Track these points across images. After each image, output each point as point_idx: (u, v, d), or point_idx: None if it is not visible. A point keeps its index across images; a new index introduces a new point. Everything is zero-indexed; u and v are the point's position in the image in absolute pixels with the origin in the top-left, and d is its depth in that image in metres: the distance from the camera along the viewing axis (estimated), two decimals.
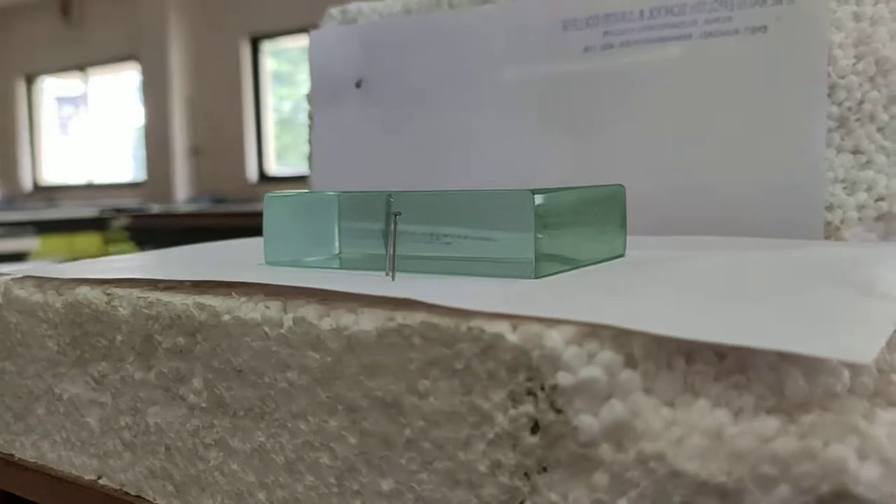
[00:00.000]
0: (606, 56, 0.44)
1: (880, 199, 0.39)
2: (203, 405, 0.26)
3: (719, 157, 0.42)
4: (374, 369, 0.22)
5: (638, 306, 0.22)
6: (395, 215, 0.27)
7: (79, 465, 0.30)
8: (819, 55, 0.39)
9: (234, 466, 0.26)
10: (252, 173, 4.11)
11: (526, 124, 0.47)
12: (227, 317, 0.25)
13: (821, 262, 0.30)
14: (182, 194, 4.11)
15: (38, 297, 0.31)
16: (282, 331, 0.24)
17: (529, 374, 0.20)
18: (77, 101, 4.87)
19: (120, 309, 0.28)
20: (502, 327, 0.20)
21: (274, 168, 4.19)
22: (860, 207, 0.39)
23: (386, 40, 0.52)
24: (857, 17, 0.39)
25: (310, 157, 0.57)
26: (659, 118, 0.43)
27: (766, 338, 0.18)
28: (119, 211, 3.01)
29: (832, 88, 0.39)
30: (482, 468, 0.21)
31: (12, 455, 0.33)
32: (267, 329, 0.24)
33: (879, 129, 0.39)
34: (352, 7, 0.55)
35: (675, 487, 0.17)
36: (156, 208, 3.24)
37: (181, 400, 0.27)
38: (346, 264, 0.33)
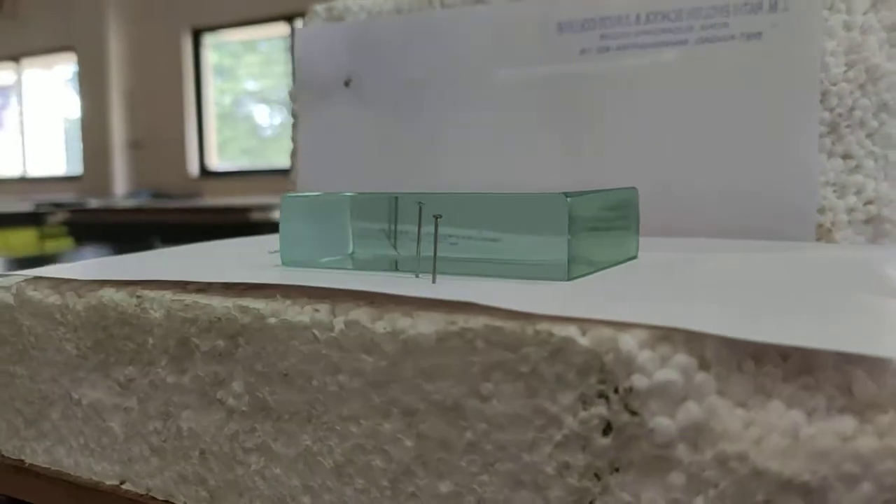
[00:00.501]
0: (603, 59, 0.45)
1: (869, 202, 0.41)
2: (244, 409, 0.26)
3: (713, 160, 0.43)
4: (433, 373, 0.22)
5: (700, 309, 0.22)
6: (437, 218, 0.27)
7: (98, 470, 0.30)
8: (812, 62, 0.40)
9: (277, 471, 0.25)
10: (193, 168, 4.04)
11: (519, 126, 0.47)
12: (272, 320, 0.25)
13: (836, 264, 0.31)
14: (121, 189, 4.02)
15: (54, 298, 0.30)
16: (333, 334, 0.24)
17: (602, 377, 0.20)
18: (9, 91, 4.72)
19: (151, 312, 0.27)
20: (571, 331, 0.20)
21: (216, 163, 4.12)
22: (850, 210, 0.41)
23: (376, 39, 0.52)
24: (848, 26, 0.41)
25: (293, 156, 0.57)
26: (654, 121, 0.44)
27: (835, 340, 0.19)
28: (56, 206, 2.92)
29: (824, 95, 0.40)
30: (549, 470, 0.21)
31: (22, 461, 0.32)
32: (317, 332, 0.24)
33: (869, 135, 0.40)
34: (338, 4, 0.55)
35: (758, 486, 0.18)
36: (94, 203, 3.16)
37: (219, 404, 0.26)
38: (359, 265, 0.33)
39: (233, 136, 4.47)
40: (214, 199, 3.18)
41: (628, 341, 0.20)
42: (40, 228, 2.79)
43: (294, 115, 0.56)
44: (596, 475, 0.20)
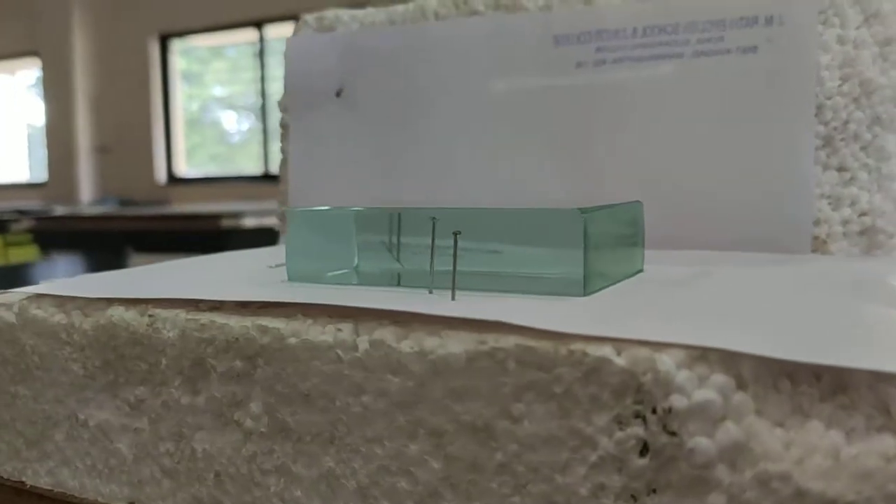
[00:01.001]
0: (599, 72, 0.45)
1: (863, 214, 0.41)
2: (262, 430, 0.25)
3: (710, 173, 0.43)
4: (463, 393, 0.22)
5: (732, 327, 0.22)
6: (456, 234, 0.27)
7: (106, 492, 0.29)
8: (808, 76, 0.41)
9: (297, 493, 0.25)
10: (161, 174, 3.99)
11: (514, 139, 0.47)
12: (293, 340, 0.24)
13: (846, 277, 0.31)
14: (87, 196, 3.96)
15: (59, 317, 0.29)
16: (357, 354, 0.23)
17: (638, 398, 0.20)
18: None
19: (164, 332, 0.27)
20: (606, 351, 0.20)
21: (184, 169, 4.08)
22: (845, 222, 0.41)
23: (368, 50, 0.51)
24: (842, 41, 0.41)
25: (282, 166, 0.56)
26: (650, 135, 0.44)
27: (873, 359, 0.19)
28: (21, 213, 2.87)
29: (819, 108, 0.41)
30: (583, 491, 0.21)
31: (23, 483, 0.31)
32: (340, 352, 0.24)
33: (863, 148, 0.41)
34: (329, 14, 0.54)
35: None
36: (60, 210, 3.11)
37: (236, 425, 0.26)
38: (364, 279, 0.33)
39: (200, 143, 4.43)
40: (182, 205, 3.15)
41: (666, 361, 0.20)
42: (4, 236, 2.73)
43: (283, 125, 0.56)
44: (633, 496, 0.20)
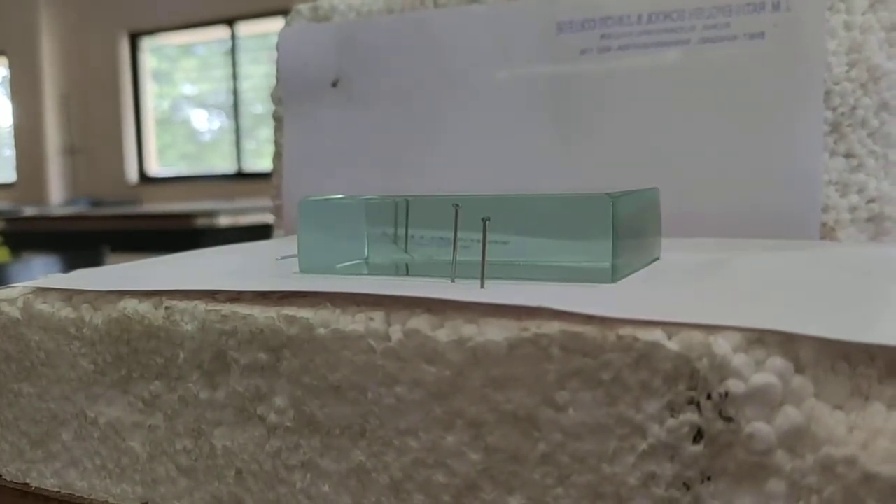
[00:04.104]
0: (603, 59, 0.44)
1: (871, 200, 0.41)
2: (287, 424, 0.24)
3: (717, 159, 0.43)
4: (503, 382, 0.21)
5: (787, 309, 0.22)
6: (485, 221, 0.26)
7: (117, 492, 0.28)
8: (816, 62, 0.41)
9: (326, 488, 0.24)
10: (132, 174, 3.94)
11: (517, 127, 0.47)
12: (322, 330, 0.23)
13: (861, 261, 0.31)
14: (57, 196, 3.90)
15: (66, 312, 0.28)
16: (390, 344, 0.23)
17: (692, 383, 0.19)
18: None
19: (183, 324, 0.26)
20: (657, 335, 0.20)
21: (155, 168, 4.04)
22: (852, 209, 0.41)
23: (366, 39, 0.50)
24: (848, 26, 0.41)
25: (276, 159, 0.55)
26: (656, 122, 0.44)
27: None
28: None
29: (827, 94, 0.41)
30: (632, 481, 0.20)
31: (27, 485, 0.30)
32: (372, 342, 0.23)
33: (870, 134, 0.41)
34: (323, 3, 0.53)
35: (868, 492, 0.17)
36: (29, 211, 3.05)
37: (259, 420, 0.25)
38: (374, 269, 0.32)
39: (171, 142, 4.38)
40: (155, 205, 3.11)
41: (722, 345, 0.19)
42: None
43: (276, 118, 0.55)
44: (685, 485, 0.20)
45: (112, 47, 3.86)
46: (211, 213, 2.19)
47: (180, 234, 1.85)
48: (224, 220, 1.89)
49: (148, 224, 2.23)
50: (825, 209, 0.41)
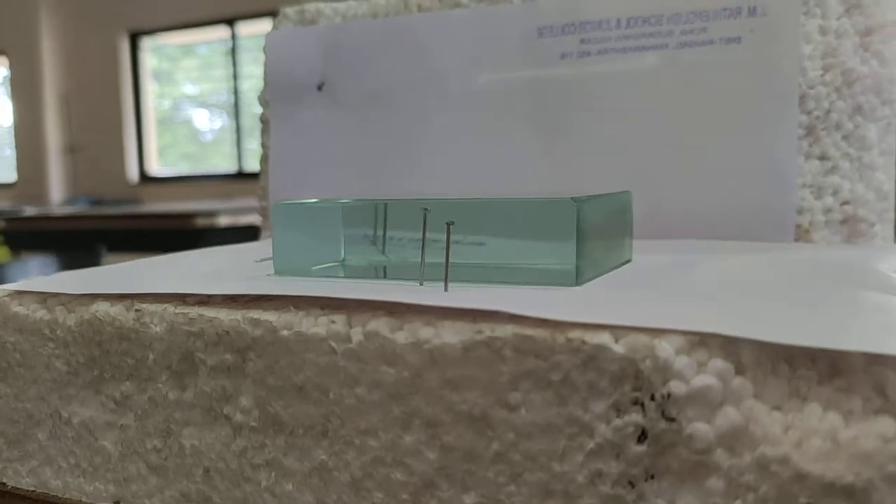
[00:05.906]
0: (583, 64, 0.45)
1: (845, 203, 0.41)
2: (253, 424, 0.25)
3: (693, 162, 0.43)
4: (459, 383, 0.22)
5: (730, 313, 0.22)
6: (449, 225, 0.27)
7: (90, 491, 0.29)
8: (791, 66, 0.41)
9: (289, 486, 0.25)
10: (132, 173, 3.95)
11: (498, 131, 0.47)
12: (285, 332, 0.24)
13: (828, 264, 0.32)
14: (57, 196, 3.91)
15: (41, 314, 0.29)
16: (351, 346, 0.23)
17: (637, 384, 0.20)
18: None
19: (152, 326, 0.26)
20: (604, 338, 0.20)
21: (156, 168, 4.04)
22: (826, 211, 0.42)
23: (350, 43, 0.51)
24: (823, 31, 0.42)
25: (262, 161, 0.56)
26: (634, 125, 0.44)
27: (872, 342, 0.19)
28: None
29: (802, 98, 0.41)
30: (580, 478, 0.21)
31: (4, 484, 0.31)
32: (334, 344, 0.23)
33: (844, 137, 0.41)
34: (310, 7, 0.54)
35: (800, 490, 0.18)
36: (30, 210, 3.07)
37: (225, 420, 0.25)
38: (351, 272, 0.32)
39: (172, 142, 4.39)
40: (155, 205, 3.12)
41: (665, 348, 0.20)
42: None
43: (263, 120, 0.55)
44: (630, 483, 0.20)
45: (112, 47, 3.87)
46: (211, 213, 2.19)
47: (180, 234, 1.86)
48: (224, 220, 1.89)
49: (148, 224, 2.23)
50: (800, 211, 0.41)
